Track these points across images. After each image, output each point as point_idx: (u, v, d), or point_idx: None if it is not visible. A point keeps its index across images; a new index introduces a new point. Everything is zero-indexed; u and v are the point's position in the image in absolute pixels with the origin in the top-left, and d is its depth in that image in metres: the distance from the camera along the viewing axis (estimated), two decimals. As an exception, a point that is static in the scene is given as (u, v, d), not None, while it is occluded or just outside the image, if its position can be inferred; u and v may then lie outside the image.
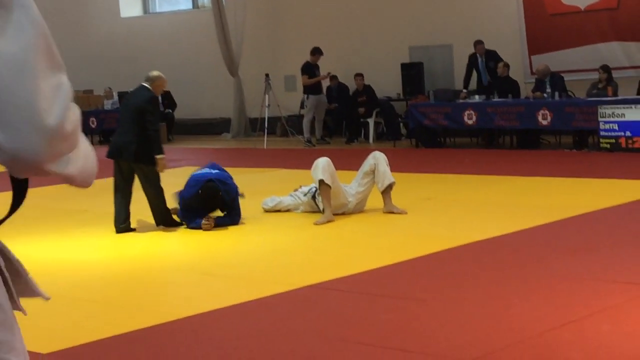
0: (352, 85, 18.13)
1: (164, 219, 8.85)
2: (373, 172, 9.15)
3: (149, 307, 6.04)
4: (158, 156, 8.65)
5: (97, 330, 5.44)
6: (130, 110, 8.82)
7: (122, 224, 8.74)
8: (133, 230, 8.79)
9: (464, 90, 16.31)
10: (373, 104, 17.69)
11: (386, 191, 9.09)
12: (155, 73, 9.06)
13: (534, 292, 5.83)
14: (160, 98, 21.27)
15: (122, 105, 9.08)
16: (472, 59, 16.63)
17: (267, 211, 9.55)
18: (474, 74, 16.63)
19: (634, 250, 6.95)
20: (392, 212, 9.03)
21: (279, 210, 9.51)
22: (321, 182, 8.81)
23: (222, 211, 8.98)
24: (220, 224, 8.80)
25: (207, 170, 9.24)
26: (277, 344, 5.04)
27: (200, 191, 8.73)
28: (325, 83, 18.26)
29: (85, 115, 20.88)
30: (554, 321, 5.09)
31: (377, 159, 9.18)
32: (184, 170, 12.48)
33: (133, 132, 8.66)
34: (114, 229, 8.77)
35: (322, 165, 8.88)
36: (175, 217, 8.92)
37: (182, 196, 8.91)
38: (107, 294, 6.62)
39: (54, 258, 7.86)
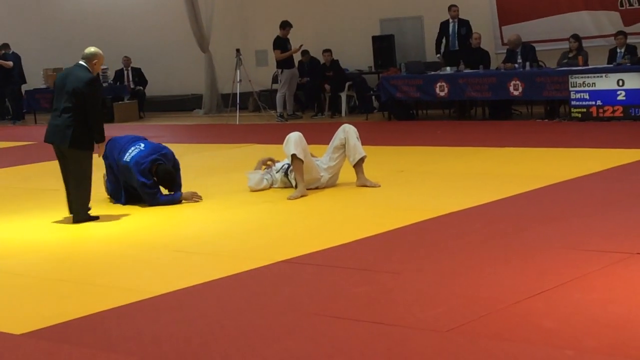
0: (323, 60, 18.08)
1: (82, 216, 8.22)
2: (344, 146, 9.13)
3: (123, 286, 6.00)
4: (100, 143, 8.32)
5: (70, 310, 5.41)
6: (67, 91, 8.15)
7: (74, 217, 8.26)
8: (96, 218, 8.32)
9: (438, 55, 16.30)
10: (341, 79, 17.65)
11: (358, 165, 9.07)
12: (92, 49, 8.35)
13: (508, 262, 5.85)
14: (130, 75, 21.27)
15: (57, 86, 8.32)
16: (444, 25, 16.64)
17: (255, 188, 9.29)
18: (445, 40, 16.67)
19: (605, 218, 7.00)
20: (365, 186, 9.02)
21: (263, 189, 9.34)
22: (294, 156, 8.77)
23: (171, 189, 8.88)
24: (166, 201, 8.76)
25: (134, 148, 8.82)
26: (251, 319, 5.03)
27: (156, 179, 8.66)
28: (298, 57, 18.18)
29: (51, 92, 20.62)
30: (527, 291, 5.11)
31: (347, 133, 9.15)
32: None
33: (70, 115, 8.11)
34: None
35: (294, 140, 8.84)
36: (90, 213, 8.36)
37: (122, 185, 8.85)
38: (79, 273, 6.58)
39: (24, 238, 7.80)
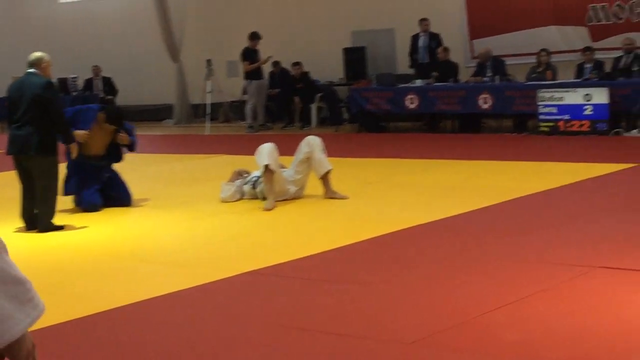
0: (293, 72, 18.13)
1: (47, 225, 8.17)
2: (309, 159, 9.11)
3: (87, 296, 5.98)
4: (72, 145, 8.36)
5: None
6: (26, 100, 8.01)
7: (32, 224, 8.24)
8: (62, 228, 8.26)
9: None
10: (311, 91, 17.71)
11: (324, 177, 9.08)
12: (37, 54, 8.21)
13: (475, 274, 5.89)
14: (100, 84, 21.17)
15: (12, 96, 8.17)
16: (415, 39, 16.76)
17: (227, 200, 9.28)
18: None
19: (570, 231, 7.07)
20: (333, 198, 9.04)
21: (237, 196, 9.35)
22: (266, 167, 8.76)
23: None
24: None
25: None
26: (217, 330, 5.03)
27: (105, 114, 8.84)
28: (269, 68, 18.21)
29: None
30: (493, 303, 5.15)
31: (312, 146, 9.13)
32: (126, 156, 12.36)
33: (33, 124, 8.00)
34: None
35: (267, 151, 8.84)
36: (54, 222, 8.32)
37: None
38: (42, 283, 6.52)
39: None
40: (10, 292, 1.60)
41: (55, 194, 8.26)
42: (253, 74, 17.46)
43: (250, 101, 17.63)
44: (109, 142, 9.35)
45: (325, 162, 9.04)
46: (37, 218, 8.25)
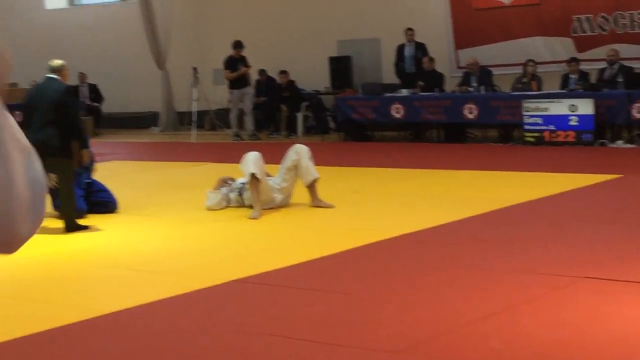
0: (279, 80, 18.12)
1: (71, 224, 8.37)
2: (295, 167, 9.11)
3: (74, 303, 5.95)
4: (84, 150, 8.49)
5: (21, 327, 5.35)
6: (45, 104, 8.28)
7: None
8: (87, 227, 8.44)
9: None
10: (297, 99, 17.73)
11: (311, 186, 9.08)
12: (59, 62, 8.58)
13: (457, 284, 5.90)
14: (86, 91, 21.14)
15: (31, 100, 8.49)
16: (400, 48, 16.80)
17: (214, 207, 9.27)
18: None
19: (555, 242, 7.08)
20: (319, 206, 9.03)
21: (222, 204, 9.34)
22: (252, 175, 8.74)
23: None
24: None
25: None
26: (201, 339, 5.01)
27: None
28: (255, 76, 18.18)
29: (9, 109, 20.40)
30: (476, 313, 5.16)
31: (299, 154, 9.12)
32: (111, 164, 12.34)
33: (52, 126, 8.24)
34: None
35: (253, 159, 8.83)
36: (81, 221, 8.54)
37: None
38: (31, 291, 6.50)
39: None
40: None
41: (73, 193, 8.43)
42: (236, 83, 17.38)
43: (233, 110, 17.58)
44: None
45: (312, 170, 9.03)
46: (64, 219, 8.41)
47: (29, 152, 1.53)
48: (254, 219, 8.64)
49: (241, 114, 17.70)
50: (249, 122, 17.68)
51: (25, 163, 1.51)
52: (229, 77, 17.38)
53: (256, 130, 18.11)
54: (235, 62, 17.32)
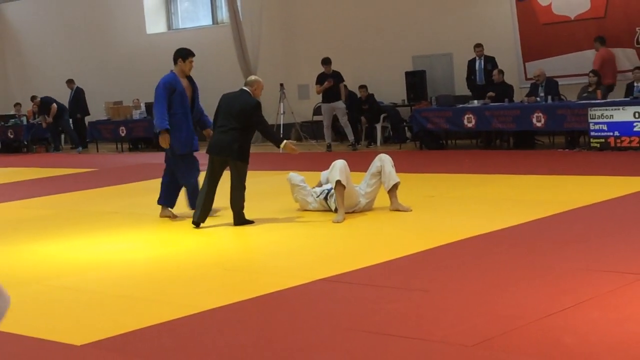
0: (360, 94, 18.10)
1: (240, 219, 8.78)
2: (380, 173, 9.13)
3: (176, 301, 6.04)
4: (282, 144, 8.81)
5: (127, 323, 5.45)
6: (234, 112, 8.74)
7: (204, 218, 8.83)
8: (252, 222, 8.79)
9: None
10: (375, 112, 17.69)
11: (392, 190, 9.07)
12: (253, 77, 9.04)
13: (530, 281, 5.81)
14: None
15: (223, 107, 8.95)
16: (471, 63, 16.69)
17: (292, 184, 9.50)
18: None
19: (621, 241, 6.93)
20: (398, 210, 9.01)
21: (300, 194, 9.44)
22: (338, 182, 8.78)
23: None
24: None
25: None
26: (292, 332, 5.05)
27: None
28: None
29: (116, 125, 20.95)
30: (547, 309, 5.07)
31: (383, 161, 9.15)
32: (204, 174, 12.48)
33: (235, 132, 8.66)
34: (141, 228, 8.77)
35: (339, 167, 8.87)
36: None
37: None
38: (136, 290, 6.62)
39: (85, 258, 7.88)
40: None
41: (244, 192, 8.76)
42: (326, 97, 17.28)
43: (324, 122, 17.57)
44: None
45: (394, 175, 9.05)
46: (234, 215, 8.79)
47: None
48: (338, 222, 8.66)
49: (331, 126, 17.60)
50: (326, 134, 17.56)
51: None
52: (317, 91, 17.42)
53: (338, 141, 18.07)
54: (325, 78, 17.26)
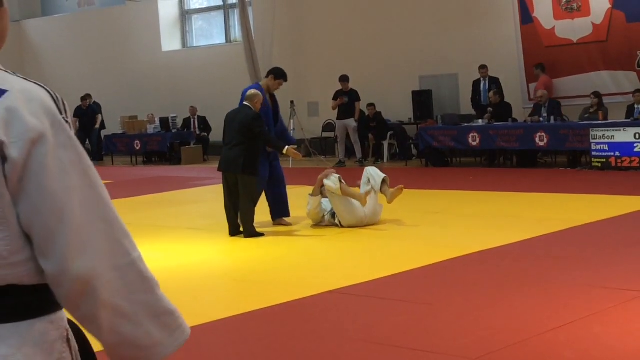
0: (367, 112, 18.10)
1: (250, 231, 8.81)
2: (369, 181, 9.26)
3: (185, 311, 5.99)
4: (284, 149, 8.91)
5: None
6: (236, 127, 8.86)
7: (235, 229, 8.90)
8: (262, 235, 8.82)
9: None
10: (383, 129, 17.69)
11: (383, 187, 9.20)
12: (252, 92, 9.08)
13: (532, 297, 5.78)
14: (196, 122, 21.50)
15: (227, 124, 9.12)
16: (476, 84, 16.70)
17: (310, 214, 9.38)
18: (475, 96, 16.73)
19: (622, 258, 6.89)
20: (394, 195, 9.16)
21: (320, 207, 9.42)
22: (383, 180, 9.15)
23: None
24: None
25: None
26: (301, 343, 5.02)
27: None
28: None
29: (131, 139, 21.00)
30: (550, 324, 5.04)
31: (367, 170, 9.42)
32: (215, 187, 12.48)
33: (240, 147, 8.74)
34: (153, 240, 8.79)
35: (334, 180, 9.07)
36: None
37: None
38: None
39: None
40: (162, 323, 1.69)
41: (254, 205, 8.84)
42: (340, 114, 17.40)
43: (338, 138, 17.64)
44: None
45: (379, 172, 9.27)
46: (243, 227, 8.82)
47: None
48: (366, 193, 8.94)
49: (344, 142, 17.66)
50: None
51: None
52: (332, 107, 17.49)
53: (347, 157, 18.08)
54: (337, 95, 17.33)
